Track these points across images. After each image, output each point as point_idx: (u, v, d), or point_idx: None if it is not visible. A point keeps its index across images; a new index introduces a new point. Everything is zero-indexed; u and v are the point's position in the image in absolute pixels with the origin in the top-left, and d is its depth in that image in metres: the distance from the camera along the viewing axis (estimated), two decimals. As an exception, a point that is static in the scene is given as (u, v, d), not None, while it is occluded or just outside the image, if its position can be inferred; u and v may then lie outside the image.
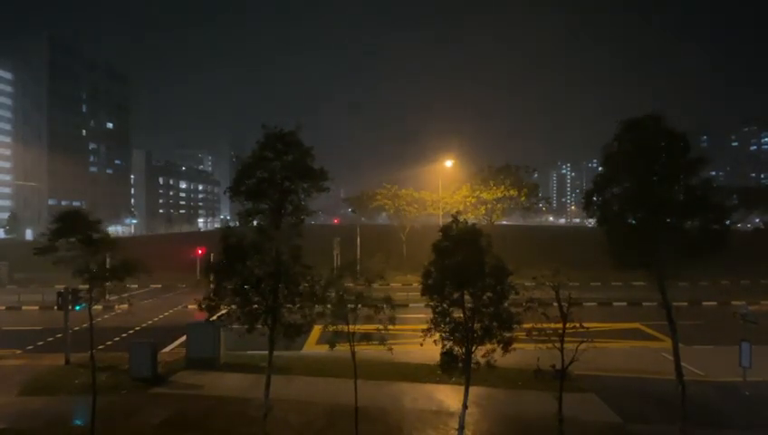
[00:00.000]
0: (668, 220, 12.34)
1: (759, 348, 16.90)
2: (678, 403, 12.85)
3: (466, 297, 11.57)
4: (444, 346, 11.73)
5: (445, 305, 11.72)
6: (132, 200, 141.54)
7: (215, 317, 12.65)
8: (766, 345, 18.28)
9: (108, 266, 13.23)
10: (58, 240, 12.60)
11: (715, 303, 33.33)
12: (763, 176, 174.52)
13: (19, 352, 22.34)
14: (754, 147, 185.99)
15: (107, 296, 13.60)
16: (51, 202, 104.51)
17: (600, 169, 13.86)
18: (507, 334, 11.30)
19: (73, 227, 12.65)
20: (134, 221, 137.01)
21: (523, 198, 54.66)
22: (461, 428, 12.19)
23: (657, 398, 16.19)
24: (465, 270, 11.27)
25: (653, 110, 12.41)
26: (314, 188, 12.93)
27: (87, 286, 13.02)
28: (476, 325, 11.45)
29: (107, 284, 13.09)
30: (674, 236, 12.19)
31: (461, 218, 12.34)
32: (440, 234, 12.09)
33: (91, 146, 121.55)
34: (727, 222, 12.35)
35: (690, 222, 12.43)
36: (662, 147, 12.13)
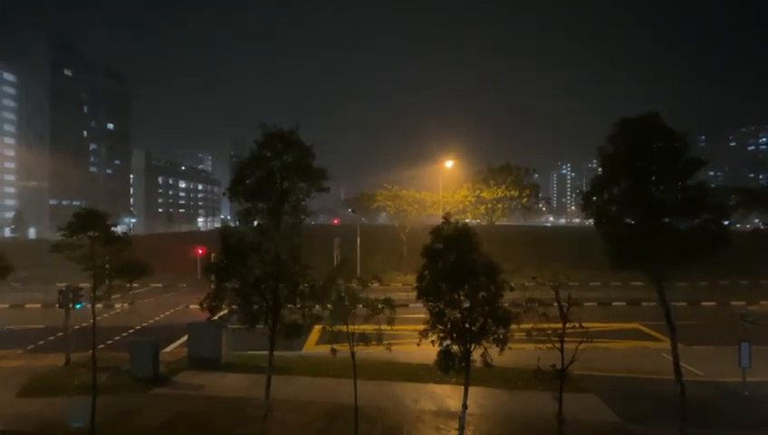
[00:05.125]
0: (665, 221, 12.26)
1: (758, 348, 16.98)
2: (678, 403, 12.87)
3: (462, 297, 11.58)
4: (441, 345, 11.74)
5: (441, 306, 11.72)
6: (132, 200, 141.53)
7: (216, 317, 12.68)
8: (766, 346, 18.35)
9: (122, 265, 13.33)
10: (74, 237, 12.72)
11: (714, 303, 33.36)
12: (761, 176, 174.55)
13: (21, 351, 22.38)
14: (752, 147, 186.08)
15: (111, 295, 13.65)
16: (52, 202, 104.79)
17: (599, 169, 13.80)
18: (503, 331, 11.30)
19: (90, 225, 12.80)
20: (133, 221, 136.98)
21: (524, 199, 54.67)
22: (461, 428, 12.20)
23: (656, 398, 16.22)
24: (458, 270, 11.28)
25: (649, 110, 12.24)
26: (314, 187, 12.89)
27: (89, 285, 13.09)
28: (474, 324, 11.45)
29: (113, 282, 13.21)
30: (671, 237, 12.11)
31: (454, 219, 12.36)
32: (430, 236, 12.01)
33: (92, 146, 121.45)
34: (726, 222, 12.25)
35: (687, 222, 12.33)
36: (658, 147, 11.98)
